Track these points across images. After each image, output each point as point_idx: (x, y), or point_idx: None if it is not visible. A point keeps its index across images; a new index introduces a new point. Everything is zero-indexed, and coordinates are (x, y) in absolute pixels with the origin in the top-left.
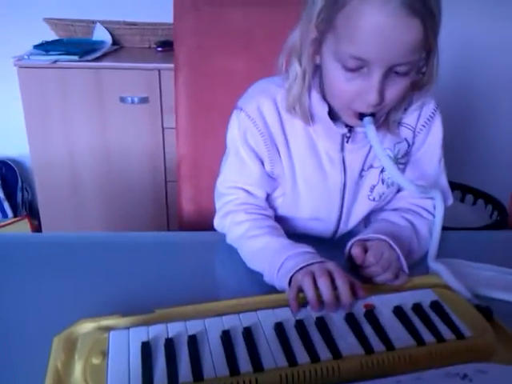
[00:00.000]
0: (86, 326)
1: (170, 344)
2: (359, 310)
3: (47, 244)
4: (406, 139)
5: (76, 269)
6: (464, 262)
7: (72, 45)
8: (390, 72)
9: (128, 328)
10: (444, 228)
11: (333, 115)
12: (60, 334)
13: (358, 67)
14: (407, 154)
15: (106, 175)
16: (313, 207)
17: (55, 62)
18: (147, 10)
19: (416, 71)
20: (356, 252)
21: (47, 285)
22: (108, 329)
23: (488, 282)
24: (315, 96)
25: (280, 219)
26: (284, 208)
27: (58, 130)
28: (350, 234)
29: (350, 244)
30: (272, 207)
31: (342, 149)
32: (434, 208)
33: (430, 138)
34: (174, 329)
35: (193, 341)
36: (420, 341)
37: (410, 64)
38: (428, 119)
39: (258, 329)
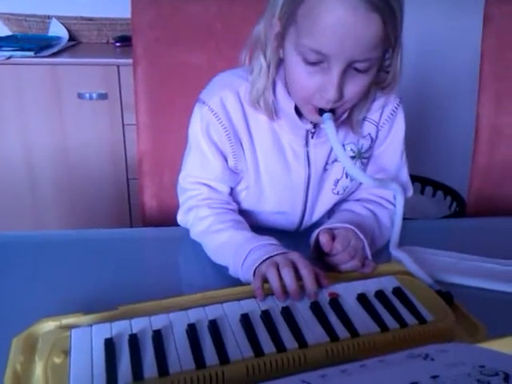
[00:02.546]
0: (47, 326)
1: (134, 340)
2: (324, 298)
3: (4, 243)
4: (369, 134)
5: (35, 268)
6: (424, 249)
7: (27, 40)
8: (349, 68)
9: (90, 325)
10: (404, 219)
11: (298, 111)
12: (19, 334)
13: (318, 61)
14: (371, 148)
15: (65, 174)
16: (277, 201)
17: (9, 58)
18: (104, 6)
19: (380, 69)
20: (324, 239)
21: (5, 285)
22: (70, 327)
23: (448, 267)
24: (281, 91)
25: (244, 213)
26: (248, 202)
27: (14, 128)
28: (315, 226)
29: (316, 233)
30: (236, 201)
31: (307, 143)
32: (395, 198)
33: (392, 133)
34: (137, 324)
35: (157, 336)
36: (384, 327)
37: (370, 61)
38: (391, 113)
39: (223, 321)
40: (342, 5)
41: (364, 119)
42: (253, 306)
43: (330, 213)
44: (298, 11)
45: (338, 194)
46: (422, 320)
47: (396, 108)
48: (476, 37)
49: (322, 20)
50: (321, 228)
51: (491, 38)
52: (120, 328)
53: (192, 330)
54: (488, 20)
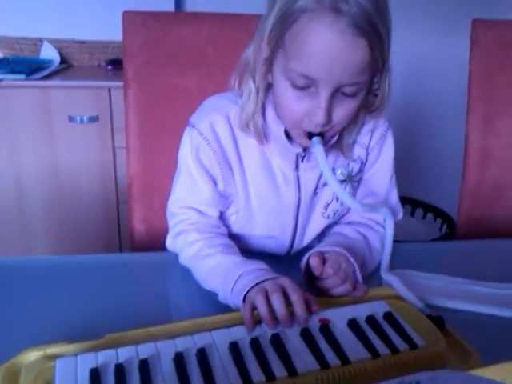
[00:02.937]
0: (31, 356)
1: (120, 370)
2: (314, 324)
3: None
4: (359, 157)
5: (19, 295)
6: (416, 272)
7: (18, 63)
8: (337, 92)
9: (75, 355)
10: (395, 241)
11: (288, 134)
12: (1, 366)
13: (306, 86)
14: (361, 171)
15: (56, 198)
16: (267, 225)
17: (0, 81)
18: (96, 29)
19: (368, 93)
20: (314, 263)
21: None
22: (54, 357)
23: (439, 291)
24: (271, 115)
25: (234, 237)
26: (238, 226)
27: (4, 152)
28: (305, 250)
29: (306, 256)
30: (226, 225)
31: (297, 167)
32: (385, 221)
33: (382, 156)
34: (124, 354)
35: (144, 365)
36: (375, 353)
37: (358, 85)
38: (380, 137)
39: (212, 349)
40: (330, 30)
41: (354, 143)
42: (242, 334)
43: (320, 236)
44: (285, 35)
45: (328, 217)
46: (413, 345)
47: (385, 131)
48: (463, 58)
49: (309, 45)
50: (311, 251)
51: (478, 62)
52: (106, 357)
53: (179, 359)
54: (475, 44)
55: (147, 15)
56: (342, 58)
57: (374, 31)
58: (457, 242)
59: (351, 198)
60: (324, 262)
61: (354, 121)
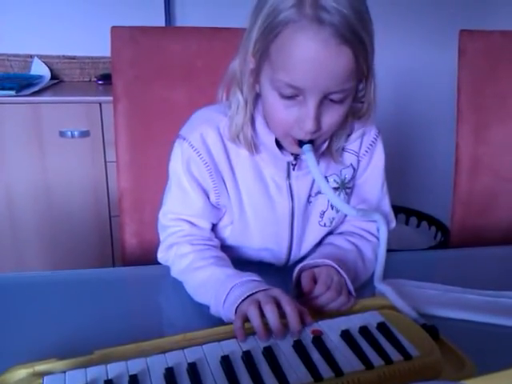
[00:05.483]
0: (19, 373)
1: None
2: (307, 336)
3: None
4: (351, 164)
5: (10, 311)
6: (409, 281)
7: (8, 80)
8: (325, 99)
9: (64, 372)
10: (390, 250)
11: (279, 143)
12: None
13: (293, 95)
14: (353, 178)
15: (48, 213)
16: (262, 236)
17: None
18: (87, 44)
19: (354, 100)
20: (305, 283)
21: None
22: (43, 374)
23: (433, 300)
24: (260, 125)
25: (230, 249)
26: (233, 238)
27: None
28: (303, 260)
29: (296, 270)
30: (221, 237)
31: (289, 176)
32: (378, 230)
33: (372, 163)
34: (114, 369)
35: (134, 381)
36: (368, 364)
37: (344, 92)
38: (370, 145)
39: (203, 364)
40: (313, 40)
41: (345, 150)
42: (234, 347)
43: (318, 246)
44: (270, 47)
45: (325, 226)
46: (407, 356)
47: (375, 139)
48: (451, 68)
49: (294, 55)
50: (301, 265)
51: (466, 71)
52: (95, 373)
53: (170, 374)
54: (462, 54)
55: (135, 30)
56: (327, 67)
57: (356, 38)
58: (450, 251)
59: (344, 203)
60: (315, 279)
61: (343, 126)
